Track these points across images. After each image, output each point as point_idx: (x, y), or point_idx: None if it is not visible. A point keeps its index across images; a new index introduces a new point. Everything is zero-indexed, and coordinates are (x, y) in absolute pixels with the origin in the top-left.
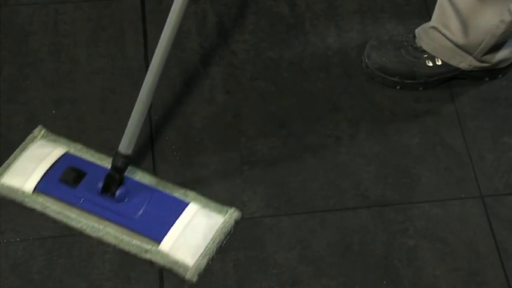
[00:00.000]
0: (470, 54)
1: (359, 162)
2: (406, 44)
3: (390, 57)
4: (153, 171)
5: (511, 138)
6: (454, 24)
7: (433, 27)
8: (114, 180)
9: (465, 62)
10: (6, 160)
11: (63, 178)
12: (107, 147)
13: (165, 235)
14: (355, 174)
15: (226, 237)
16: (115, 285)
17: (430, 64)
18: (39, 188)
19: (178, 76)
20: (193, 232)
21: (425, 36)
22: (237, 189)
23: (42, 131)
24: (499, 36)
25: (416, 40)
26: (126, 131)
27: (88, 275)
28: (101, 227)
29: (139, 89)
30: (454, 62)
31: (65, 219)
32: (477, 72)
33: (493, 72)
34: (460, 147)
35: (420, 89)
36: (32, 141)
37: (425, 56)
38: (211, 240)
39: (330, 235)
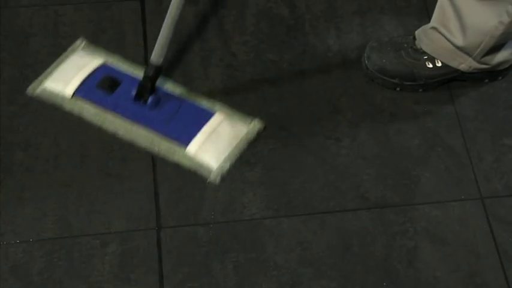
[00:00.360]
0: (469, 55)
1: (359, 164)
2: (406, 45)
3: (390, 58)
4: (183, 83)
5: (511, 140)
6: (454, 25)
7: (433, 28)
8: (146, 89)
9: (465, 64)
10: (48, 68)
11: (100, 85)
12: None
13: (192, 140)
14: (355, 176)
15: (248, 145)
16: (115, 287)
17: (430, 66)
18: (78, 93)
19: (179, 77)
20: (218, 138)
21: (425, 37)
22: (237, 191)
23: (83, 43)
24: (497, 38)
25: (416, 42)
26: (157, 42)
27: (88, 276)
28: (134, 129)
29: None
30: (454, 64)
31: (100, 122)
32: (477, 74)
33: (492, 74)
34: (459, 148)
35: (420, 90)
36: (73, 51)
37: (425, 57)
38: (234, 147)
39: (330, 237)
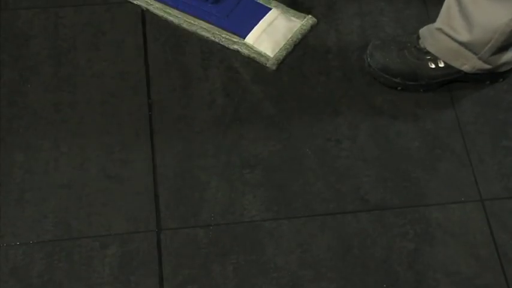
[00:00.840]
0: (475, 54)
1: (359, 166)
2: (409, 44)
3: (393, 57)
4: None
5: (511, 142)
6: (460, 23)
7: (439, 29)
8: None
9: (468, 64)
10: None
11: None
12: None
13: (250, 31)
14: (355, 178)
15: (302, 37)
16: None
17: (433, 66)
18: None
19: (178, 79)
20: (274, 30)
21: (430, 37)
22: (237, 193)
23: None
24: (508, 35)
25: (420, 41)
26: None
27: (88, 279)
28: (196, 22)
29: (140, 92)
30: (457, 64)
31: (165, 15)
32: (479, 75)
33: (494, 76)
34: (460, 150)
35: (421, 90)
36: None
37: (428, 57)
38: (290, 38)
39: (330, 239)
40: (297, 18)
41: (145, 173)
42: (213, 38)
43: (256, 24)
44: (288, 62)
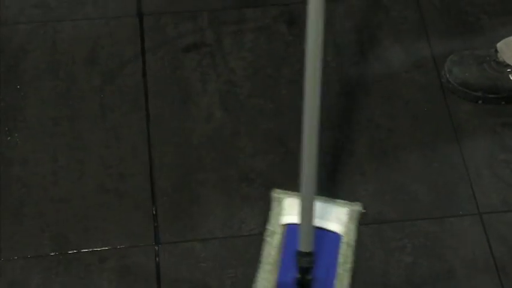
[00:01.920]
0: None
1: (357, 179)
2: (488, 58)
3: (473, 72)
4: None
5: (508, 155)
6: None
7: None
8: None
9: None
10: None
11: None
12: None
13: None
14: (353, 191)
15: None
16: None
17: None
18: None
19: (177, 93)
20: None
21: (508, 49)
22: (236, 206)
23: None
24: None
25: (498, 54)
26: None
27: None
28: None
29: (138, 106)
30: None
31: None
32: None
33: None
34: (457, 163)
35: (503, 103)
36: None
37: (509, 70)
38: None
39: None
40: None
41: (144, 187)
42: None
43: None
44: (287, 75)
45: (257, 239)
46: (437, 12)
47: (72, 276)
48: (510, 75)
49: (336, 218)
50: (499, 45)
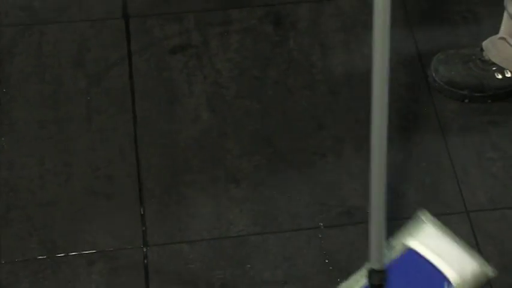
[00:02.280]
0: None
1: (345, 179)
2: (474, 57)
3: (459, 70)
4: None
5: (495, 153)
6: None
7: (502, 38)
8: None
9: None
10: None
11: None
12: None
13: None
14: (341, 191)
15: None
16: None
17: (500, 76)
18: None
19: (164, 95)
20: None
21: (493, 48)
22: (223, 208)
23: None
24: None
25: (484, 53)
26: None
27: None
28: None
29: (124, 108)
30: None
31: None
32: None
33: None
34: (444, 162)
35: (489, 101)
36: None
37: (494, 68)
38: None
39: (317, 252)
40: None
41: (131, 189)
42: None
43: None
44: (273, 76)
45: (245, 240)
46: (423, 11)
47: (60, 279)
48: (496, 74)
49: (459, 266)
50: (484, 43)
